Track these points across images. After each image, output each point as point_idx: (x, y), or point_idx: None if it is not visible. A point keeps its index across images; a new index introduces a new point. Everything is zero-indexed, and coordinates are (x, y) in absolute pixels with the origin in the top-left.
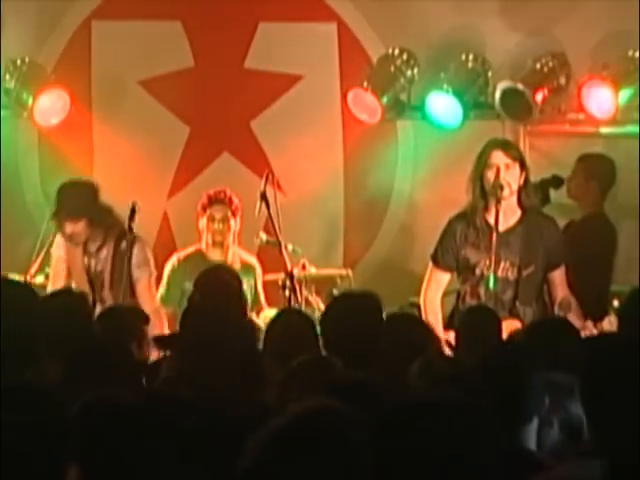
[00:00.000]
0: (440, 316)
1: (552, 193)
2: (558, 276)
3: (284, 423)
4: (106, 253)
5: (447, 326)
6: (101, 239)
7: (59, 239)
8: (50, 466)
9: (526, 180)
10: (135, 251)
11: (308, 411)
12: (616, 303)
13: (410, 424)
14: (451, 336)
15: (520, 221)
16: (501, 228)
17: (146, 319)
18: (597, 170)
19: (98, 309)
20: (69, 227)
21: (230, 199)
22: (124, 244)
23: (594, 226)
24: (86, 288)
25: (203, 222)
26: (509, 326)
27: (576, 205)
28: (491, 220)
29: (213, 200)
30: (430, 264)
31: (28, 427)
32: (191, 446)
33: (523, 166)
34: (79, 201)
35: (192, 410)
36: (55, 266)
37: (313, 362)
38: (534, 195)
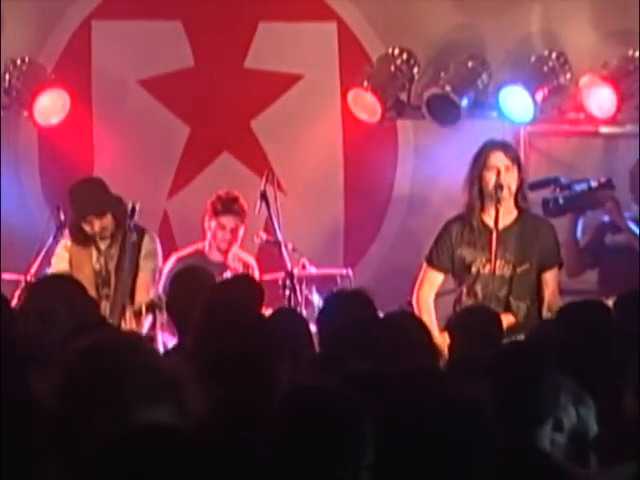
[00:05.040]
0: (434, 316)
1: None
2: (549, 278)
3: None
4: (115, 249)
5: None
6: (111, 235)
7: (60, 251)
8: None
9: (522, 181)
10: (144, 242)
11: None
12: None
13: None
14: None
15: (516, 221)
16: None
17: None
18: None
19: (103, 306)
20: (97, 224)
21: (241, 208)
22: (134, 236)
23: None
24: (92, 290)
25: (211, 225)
26: (504, 320)
27: None
28: (488, 220)
29: (227, 209)
30: (424, 264)
31: None
32: None
33: (520, 167)
34: (101, 196)
35: None
36: None
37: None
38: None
